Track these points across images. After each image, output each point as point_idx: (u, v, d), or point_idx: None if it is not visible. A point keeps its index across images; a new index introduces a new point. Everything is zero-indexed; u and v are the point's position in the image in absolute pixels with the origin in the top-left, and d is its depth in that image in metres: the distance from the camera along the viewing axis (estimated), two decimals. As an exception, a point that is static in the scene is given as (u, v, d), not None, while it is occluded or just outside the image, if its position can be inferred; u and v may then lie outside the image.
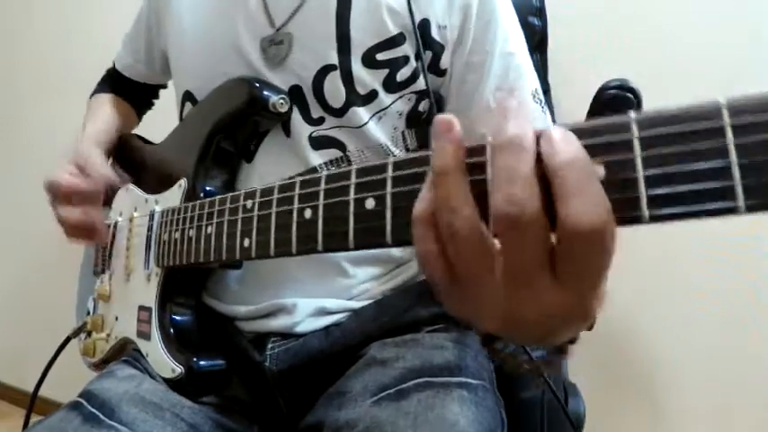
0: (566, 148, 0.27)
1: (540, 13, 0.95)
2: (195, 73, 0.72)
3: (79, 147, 0.79)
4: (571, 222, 0.26)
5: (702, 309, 1.05)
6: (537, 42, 0.95)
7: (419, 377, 0.56)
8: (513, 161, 0.27)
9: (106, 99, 0.91)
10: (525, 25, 0.95)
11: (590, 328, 0.33)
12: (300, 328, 0.65)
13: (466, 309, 0.31)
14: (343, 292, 0.67)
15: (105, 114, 0.87)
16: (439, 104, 0.69)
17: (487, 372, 0.62)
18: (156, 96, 0.98)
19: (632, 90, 0.74)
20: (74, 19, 1.90)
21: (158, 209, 0.68)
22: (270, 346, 0.65)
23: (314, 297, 0.66)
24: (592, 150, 0.27)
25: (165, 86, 0.96)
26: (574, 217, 0.26)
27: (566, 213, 0.26)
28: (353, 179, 0.38)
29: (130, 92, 0.93)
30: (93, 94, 0.94)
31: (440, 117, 0.30)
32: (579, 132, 0.28)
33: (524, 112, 0.28)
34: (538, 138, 0.28)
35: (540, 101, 0.69)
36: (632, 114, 0.27)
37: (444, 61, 0.67)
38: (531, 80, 0.69)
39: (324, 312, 0.66)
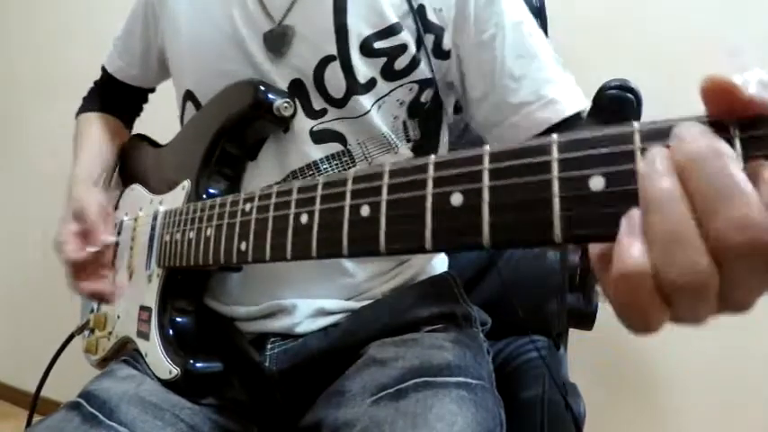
0: None
1: (540, 13, 0.95)
2: (195, 72, 0.72)
3: (76, 191, 0.75)
4: None
5: (702, 309, 1.05)
6: (536, 43, 0.95)
7: (418, 377, 0.55)
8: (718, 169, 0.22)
9: (95, 120, 0.87)
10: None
11: None
12: (300, 329, 0.65)
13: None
14: (344, 291, 0.67)
15: (95, 142, 0.84)
16: (440, 93, 0.69)
17: (487, 372, 0.62)
18: (146, 101, 0.95)
19: (632, 90, 0.74)
20: (74, 19, 1.90)
21: (162, 209, 0.68)
22: (269, 346, 0.66)
23: (314, 298, 0.66)
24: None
25: (153, 90, 0.93)
26: None
27: None
28: (350, 186, 0.38)
29: (120, 100, 0.90)
30: (80, 112, 0.90)
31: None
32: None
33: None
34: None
35: (562, 65, 0.67)
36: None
37: (446, 43, 0.67)
38: (548, 45, 0.67)
39: (323, 313, 0.66)
